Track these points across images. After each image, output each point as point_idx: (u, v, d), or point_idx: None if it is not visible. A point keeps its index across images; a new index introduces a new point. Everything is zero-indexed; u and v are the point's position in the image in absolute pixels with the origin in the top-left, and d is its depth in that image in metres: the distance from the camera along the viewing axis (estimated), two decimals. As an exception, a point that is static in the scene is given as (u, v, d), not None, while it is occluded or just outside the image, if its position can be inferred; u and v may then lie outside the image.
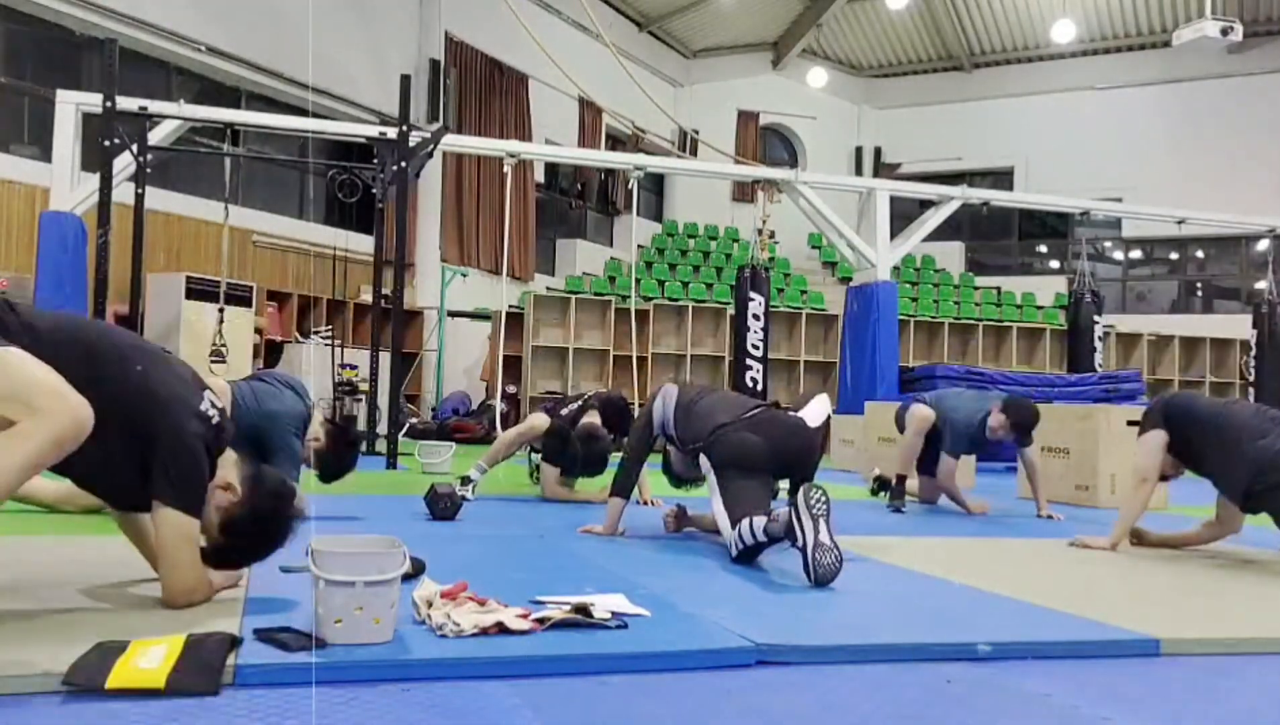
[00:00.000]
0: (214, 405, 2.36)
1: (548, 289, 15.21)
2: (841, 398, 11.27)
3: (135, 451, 2.22)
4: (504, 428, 9.10)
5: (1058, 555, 3.84)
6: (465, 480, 4.97)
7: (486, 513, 4.53)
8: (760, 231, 13.24)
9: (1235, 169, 16.88)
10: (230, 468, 2.36)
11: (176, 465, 2.22)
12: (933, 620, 2.48)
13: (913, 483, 5.85)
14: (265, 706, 1.66)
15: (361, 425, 10.88)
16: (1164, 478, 4.10)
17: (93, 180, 7.94)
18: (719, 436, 3.62)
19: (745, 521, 3.25)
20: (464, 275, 13.85)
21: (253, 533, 2.33)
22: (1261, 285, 13.87)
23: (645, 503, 5.14)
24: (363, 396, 11.28)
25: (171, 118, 8.51)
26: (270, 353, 11.92)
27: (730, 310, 11.91)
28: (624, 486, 3.94)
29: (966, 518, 5.18)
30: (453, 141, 10.09)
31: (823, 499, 2.97)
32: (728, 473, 3.53)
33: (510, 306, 12.21)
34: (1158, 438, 3.95)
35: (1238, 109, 17.39)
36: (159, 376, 2.28)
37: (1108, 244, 19.13)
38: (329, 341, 11.94)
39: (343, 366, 11.39)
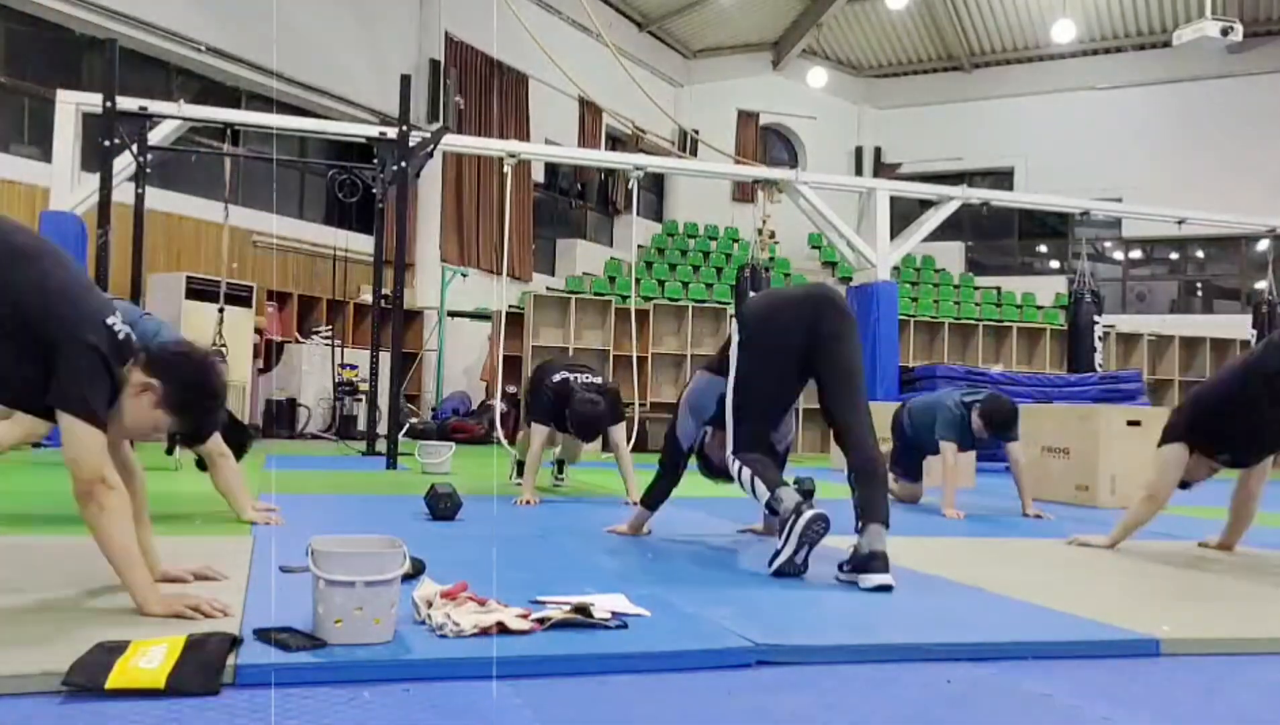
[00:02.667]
0: (121, 321, 2.34)
1: (548, 289, 15.21)
2: (841, 398, 11.24)
3: (38, 356, 2.20)
4: (503, 427, 9.09)
5: (1058, 555, 3.84)
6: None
7: (486, 513, 4.53)
8: (760, 231, 13.23)
9: (1235, 169, 16.88)
10: (135, 372, 2.33)
11: (75, 373, 2.20)
12: (933, 620, 2.48)
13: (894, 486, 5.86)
14: (265, 706, 1.66)
15: (362, 425, 10.91)
16: (1185, 485, 3.91)
17: (93, 180, 7.95)
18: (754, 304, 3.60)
19: (746, 471, 3.29)
20: (464, 275, 13.86)
21: (194, 397, 2.38)
22: (1261, 285, 13.87)
23: (634, 503, 5.14)
24: (363, 396, 11.29)
25: (171, 118, 8.51)
26: (270, 353, 11.92)
27: (730, 310, 11.91)
28: (655, 501, 3.90)
29: (967, 518, 5.17)
30: (453, 141, 10.09)
31: (821, 530, 2.99)
32: (750, 352, 3.43)
33: (510, 306, 12.22)
34: (1175, 452, 3.79)
35: (1238, 109, 17.39)
36: (63, 283, 2.28)
37: (1108, 244, 19.13)
38: (329, 341, 11.95)
39: (343, 366, 11.40)
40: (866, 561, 2.91)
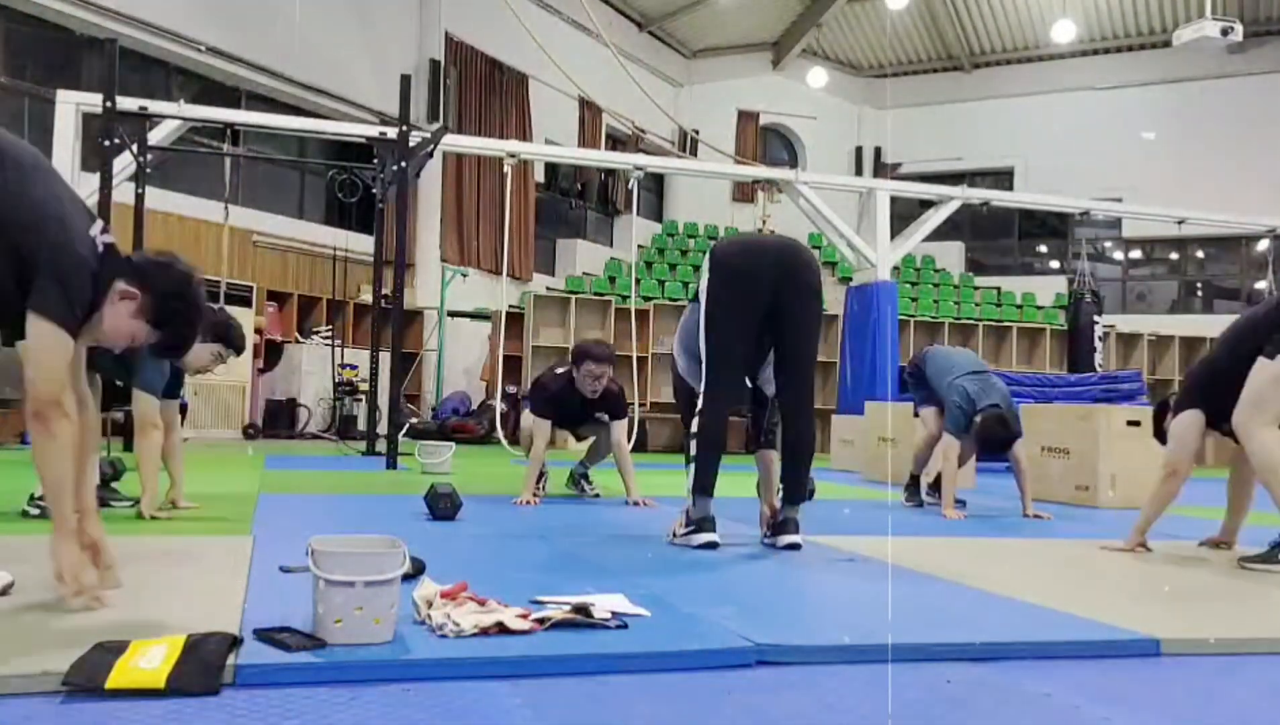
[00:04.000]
0: (104, 232, 2.31)
1: (548, 289, 15.21)
2: (841, 398, 11.28)
3: (13, 265, 2.16)
4: (503, 428, 9.08)
5: (1058, 555, 3.84)
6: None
7: (486, 513, 4.53)
8: (760, 231, 13.21)
9: (1235, 169, 16.88)
10: (119, 281, 2.29)
11: (57, 279, 2.16)
12: (933, 620, 2.48)
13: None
14: (265, 706, 1.66)
15: (362, 425, 10.91)
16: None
17: (93, 180, 7.95)
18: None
19: (694, 450, 3.58)
20: (464, 275, 13.86)
21: (176, 309, 2.35)
22: (1261, 285, 13.87)
23: (634, 503, 5.13)
24: (363, 396, 11.29)
25: (171, 118, 8.51)
26: (270, 353, 11.92)
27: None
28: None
29: (966, 518, 5.17)
30: (453, 141, 10.09)
31: (707, 550, 3.45)
32: (717, 293, 3.58)
33: (510, 306, 12.21)
34: (1191, 420, 3.66)
35: (1238, 109, 17.39)
36: (45, 193, 2.23)
37: (1108, 244, 19.13)
38: (329, 341, 11.95)
39: (343, 366, 11.40)
40: (782, 526, 3.60)
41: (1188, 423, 3.71)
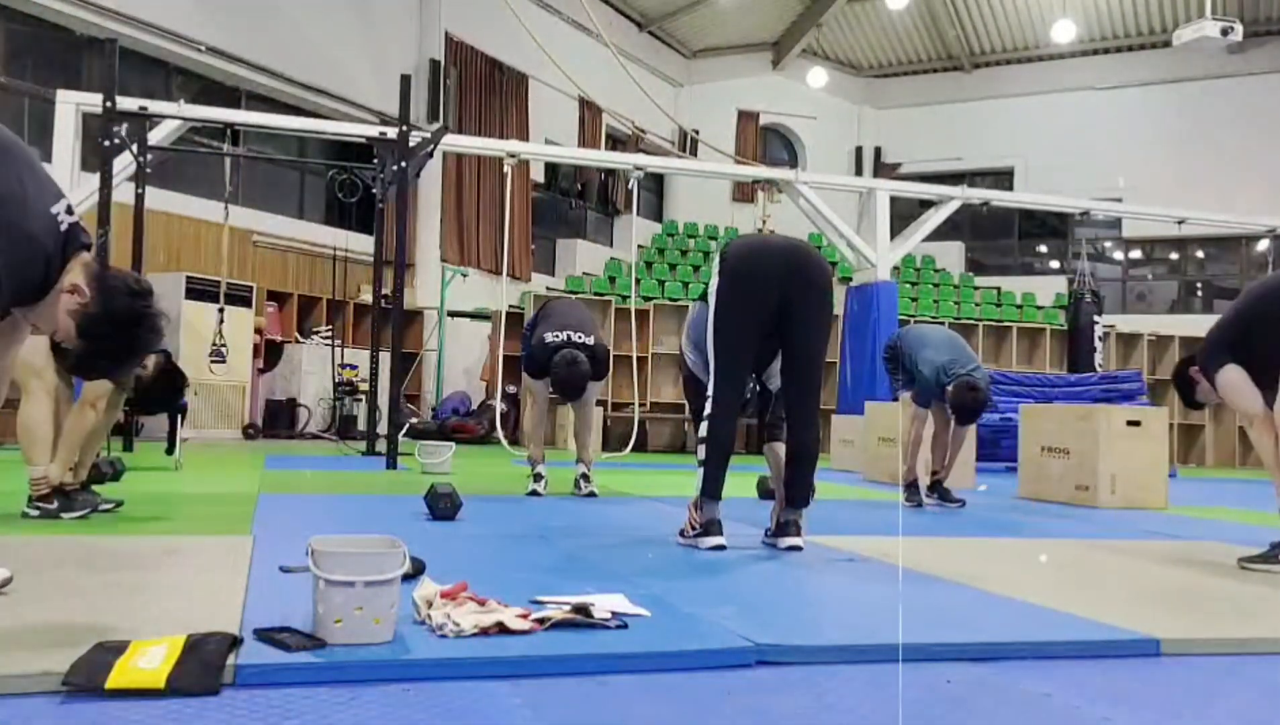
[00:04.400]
0: (69, 211, 2.19)
1: (548, 289, 15.20)
2: (841, 398, 11.28)
3: None
4: (503, 428, 9.08)
5: (1057, 555, 3.84)
6: (538, 478, 5.54)
7: (486, 513, 4.53)
8: (760, 231, 13.22)
9: (1235, 169, 16.88)
10: (78, 270, 2.15)
11: None
12: (933, 620, 2.48)
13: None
14: (265, 706, 1.66)
15: (362, 425, 10.91)
16: (1201, 406, 3.90)
17: (93, 180, 7.95)
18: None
19: (704, 454, 3.60)
20: (464, 275, 13.86)
21: (109, 333, 2.20)
22: (1261, 285, 13.85)
23: (580, 476, 5.56)
24: (363, 396, 11.29)
25: (171, 118, 8.51)
26: (270, 353, 11.92)
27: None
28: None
29: (966, 518, 5.18)
30: (453, 141, 10.09)
31: (715, 552, 3.45)
32: (724, 293, 3.60)
33: (510, 306, 12.21)
34: (1234, 372, 3.59)
35: (1238, 109, 17.39)
36: (5, 173, 2.10)
37: (1108, 244, 19.13)
38: (329, 341, 11.95)
39: (343, 366, 11.40)
40: (784, 528, 3.62)
41: (1234, 376, 3.60)
